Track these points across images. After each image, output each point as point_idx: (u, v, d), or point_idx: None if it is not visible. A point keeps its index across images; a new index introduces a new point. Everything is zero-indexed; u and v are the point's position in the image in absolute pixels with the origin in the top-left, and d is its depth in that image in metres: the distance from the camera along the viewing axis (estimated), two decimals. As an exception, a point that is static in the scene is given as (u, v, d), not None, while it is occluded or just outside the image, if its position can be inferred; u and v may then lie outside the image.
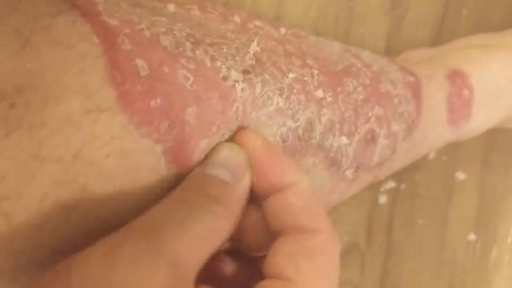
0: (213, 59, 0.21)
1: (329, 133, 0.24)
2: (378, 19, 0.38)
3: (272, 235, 0.21)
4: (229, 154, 0.21)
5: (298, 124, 0.23)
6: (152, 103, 0.19)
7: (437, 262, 0.39)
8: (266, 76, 0.22)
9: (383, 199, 0.39)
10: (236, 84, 0.21)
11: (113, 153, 0.18)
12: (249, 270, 0.22)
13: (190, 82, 0.20)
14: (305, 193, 0.21)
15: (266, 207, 0.21)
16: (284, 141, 0.23)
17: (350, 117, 0.25)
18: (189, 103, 0.20)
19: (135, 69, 0.19)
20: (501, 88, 0.33)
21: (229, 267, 0.22)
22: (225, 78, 0.21)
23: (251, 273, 0.22)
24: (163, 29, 0.21)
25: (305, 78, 0.24)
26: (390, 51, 0.39)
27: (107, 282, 0.16)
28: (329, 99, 0.24)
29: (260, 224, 0.22)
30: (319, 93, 0.24)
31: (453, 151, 0.39)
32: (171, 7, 0.22)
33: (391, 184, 0.39)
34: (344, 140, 0.25)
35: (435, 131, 0.31)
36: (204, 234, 0.18)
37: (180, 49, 0.21)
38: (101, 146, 0.18)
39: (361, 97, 0.26)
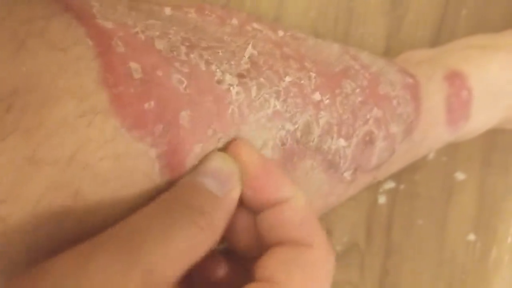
0: (207, 63, 0.21)
1: (327, 136, 0.24)
2: (378, 20, 0.38)
3: (264, 246, 0.21)
4: (221, 164, 0.21)
5: (296, 127, 0.23)
6: (146, 106, 0.19)
7: (437, 262, 0.40)
8: (262, 80, 0.22)
9: (382, 200, 0.39)
10: (231, 88, 0.21)
11: (106, 156, 0.18)
12: (241, 272, 0.22)
13: (184, 85, 0.20)
14: (302, 208, 0.21)
15: (261, 220, 0.21)
16: (283, 144, 0.23)
17: (348, 120, 0.25)
18: (183, 107, 0.20)
19: (129, 71, 0.19)
20: (500, 88, 0.33)
21: (223, 268, 0.22)
22: (219, 82, 0.21)
23: (243, 275, 0.22)
24: (158, 33, 0.21)
25: (302, 81, 0.24)
26: (390, 52, 0.39)
27: None
28: (327, 101, 0.24)
29: (252, 227, 0.22)
30: (317, 96, 0.24)
31: (452, 151, 0.39)
32: (168, 10, 0.22)
33: (390, 185, 0.39)
34: (342, 142, 0.25)
35: (434, 132, 0.31)
36: (183, 247, 0.18)
37: (175, 53, 0.21)
38: (95, 149, 0.18)
39: (359, 99, 0.26)
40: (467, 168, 0.39)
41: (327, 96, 0.24)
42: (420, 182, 0.39)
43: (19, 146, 0.17)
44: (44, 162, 0.17)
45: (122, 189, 0.19)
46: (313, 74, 0.24)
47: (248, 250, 0.22)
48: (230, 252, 0.23)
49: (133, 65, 0.19)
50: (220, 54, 0.22)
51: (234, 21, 0.24)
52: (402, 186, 0.39)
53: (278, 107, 0.23)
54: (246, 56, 0.22)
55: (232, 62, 0.22)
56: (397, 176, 0.38)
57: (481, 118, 0.33)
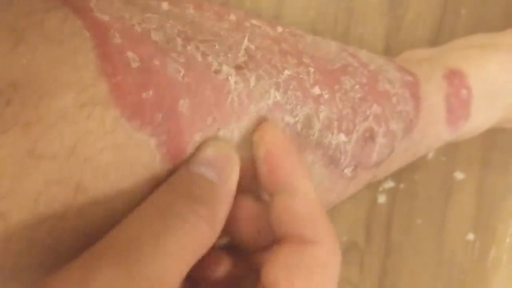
0: (204, 54, 0.21)
1: (327, 131, 0.24)
2: (377, 19, 0.39)
3: (270, 231, 0.21)
4: (216, 152, 0.20)
5: (296, 119, 0.23)
6: (144, 95, 0.19)
7: (436, 262, 0.39)
8: (261, 71, 0.22)
9: (382, 199, 0.39)
10: (229, 77, 0.21)
11: (107, 147, 0.18)
12: (244, 266, 0.22)
13: (182, 74, 0.20)
14: (311, 202, 0.21)
15: (272, 207, 0.21)
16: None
17: (348, 115, 0.25)
18: (182, 95, 0.20)
19: (126, 61, 0.19)
20: (499, 88, 0.33)
21: (225, 263, 0.22)
22: (217, 72, 0.21)
23: (246, 269, 0.22)
24: (154, 26, 0.21)
25: (301, 76, 0.24)
26: (389, 51, 0.39)
27: None
28: (326, 96, 0.24)
29: (256, 216, 0.22)
30: (316, 90, 0.24)
31: (451, 151, 0.39)
32: (165, 5, 0.22)
33: (390, 184, 0.39)
34: (342, 137, 0.25)
35: (434, 131, 0.31)
36: (186, 243, 0.18)
37: (171, 44, 0.20)
38: (95, 141, 0.18)
39: (358, 95, 0.26)
40: (466, 168, 0.39)
41: (326, 91, 0.24)
42: (419, 182, 0.39)
43: (19, 139, 0.17)
44: (44, 156, 0.17)
45: (123, 179, 0.19)
46: (311, 69, 0.24)
47: (252, 243, 0.22)
48: (233, 247, 0.23)
49: (130, 54, 0.19)
50: (217, 47, 0.22)
51: (232, 17, 0.24)
52: (401, 186, 0.39)
53: (279, 98, 0.22)
54: (243, 48, 0.22)
55: (229, 55, 0.22)
56: (396, 176, 0.38)
57: (481, 117, 0.33)
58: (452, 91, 0.31)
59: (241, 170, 0.21)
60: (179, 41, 0.21)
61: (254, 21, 0.26)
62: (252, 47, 0.23)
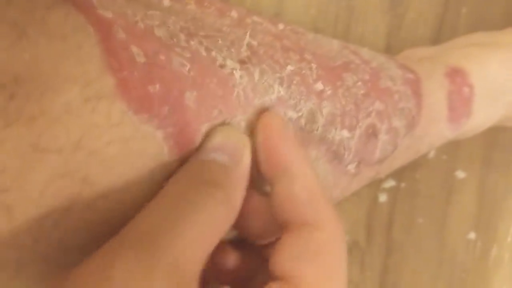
0: (208, 49, 0.21)
1: (330, 126, 0.24)
2: (378, 18, 0.38)
3: (277, 224, 0.21)
4: (225, 137, 0.21)
5: (300, 114, 0.23)
6: (151, 89, 0.19)
7: (437, 261, 0.39)
8: (264, 66, 0.22)
9: (383, 198, 0.39)
10: (234, 72, 0.21)
11: (113, 141, 0.18)
12: (254, 259, 0.22)
13: (187, 68, 0.20)
14: (310, 184, 0.21)
15: (273, 195, 0.21)
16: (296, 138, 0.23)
17: (351, 111, 0.25)
18: (188, 88, 0.20)
19: (132, 56, 0.19)
20: (501, 86, 0.33)
21: (232, 257, 0.22)
22: (222, 66, 0.21)
23: (255, 262, 0.22)
24: (157, 22, 0.21)
25: (304, 71, 0.24)
26: (390, 50, 0.39)
27: None
28: (329, 92, 0.24)
29: (263, 209, 0.22)
30: (319, 86, 0.24)
31: (453, 149, 0.39)
32: (166, 1, 0.23)
33: (391, 183, 0.39)
34: (346, 133, 0.25)
35: (436, 129, 0.31)
36: (204, 227, 0.18)
37: (175, 39, 0.21)
38: (101, 134, 0.18)
39: (361, 91, 0.26)
40: (467, 167, 0.39)
41: (329, 87, 0.24)
42: (420, 181, 0.39)
43: (23, 133, 0.17)
44: (49, 149, 0.17)
45: (131, 172, 0.19)
46: (314, 65, 0.24)
47: (259, 236, 0.22)
48: (242, 241, 0.23)
49: (135, 49, 0.19)
50: (220, 42, 0.22)
51: (234, 14, 0.25)
52: (402, 185, 0.39)
53: (282, 93, 0.23)
54: (245, 44, 0.22)
55: (232, 50, 0.22)
56: (397, 174, 0.38)
57: (482, 116, 0.33)
58: (454, 89, 0.31)
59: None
60: (182, 36, 0.21)
61: (255, 18, 0.26)
62: (255, 43, 0.23)
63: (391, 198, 0.39)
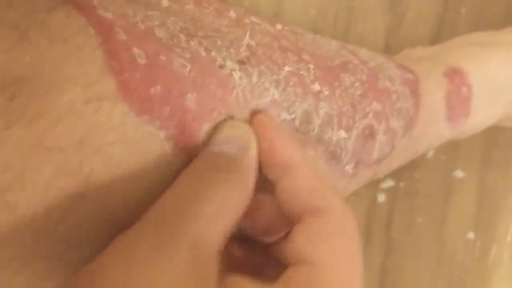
0: (207, 50, 0.21)
1: (327, 127, 0.24)
2: (378, 17, 0.38)
3: (287, 221, 0.21)
4: (231, 129, 0.21)
5: (293, 116, 0.23)
6: (152, 90, 0.19)
7: (436, 260, 0.39)
8: (262, 67, 0.23)
9: (382, 198, 0.39)
10: (233, 72, 0.22)
11: (116, 141, 0.19)
12: (260, 256, 0.22)
13: (188, 69, 0.20)
14: (312, 173, 0.21)
15: (279, 193, 0.21)
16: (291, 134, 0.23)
17: (348, 112, 0.25)
18: (189, 89, 0.20)
19: (133, 57, 0.19)
20: (500, 85, 0.33)
21: (238, 251, 0.22)
22: (221, 67, 0.21)
23: (262, 259, 0.22)
24: (157, 22, 0.21)
25: (301, 72, 0.24)
26: (390, 49, 0.39)
27: (129, 279, 0.16)
28: (326, 92, 0.24)
29: (267, 206, 0.22)
30: (316, 87, 0.24)
31: (452, 149, 0.39)
32: (165, 1, 0.23)
33: (389, 183, 0.39)
34: (342, 134, 0.25)
35: (434, 129, 0.31)
36: (221, 206, 0.18)
37: (175, 40, 0.21)
38: (104, 134, 0.18)
39: (358, 92, 0.26)
40: (466, 166, 0.39)
41: (326, 88, 0.24)
42: (419, 180, 0.39)
43: (25, 133, 0.17)
44: (51, 148, 0.17)
45: (134, 171, 0.19)
46: (311, 66, 0.24)
47: (266, 232, 0.22)
48: (248, 239, 0.23)
49: (136, 51, 0.19)
50: (219, 42, 0.22)
51: (232, 14, 0.25)
52: (401, 184, 0.39)
53: (277, 96, 0.23)
54: (245, 44, 0.23)
55: (231, 50, 0.22)
56: (396, 174, 0.38)
57: (481, 115, 0.33)
58: (453, 89, 0.31)
59: None
60: (182, 37, 0.21)
61: (253, 18, 0.26)
62: (253, 43, 0.23)
63: (390, 198, 0.39)
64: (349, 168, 0.26)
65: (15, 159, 0.17)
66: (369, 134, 0.26)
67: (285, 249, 0.20)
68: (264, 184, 0.22)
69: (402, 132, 0.28)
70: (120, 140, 0.19)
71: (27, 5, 0.19)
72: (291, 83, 0.23)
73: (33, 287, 0.19)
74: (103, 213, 0.19)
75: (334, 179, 0.26)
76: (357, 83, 0.26)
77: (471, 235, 0.39)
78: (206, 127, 0.21)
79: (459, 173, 0.39)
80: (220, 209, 0.18)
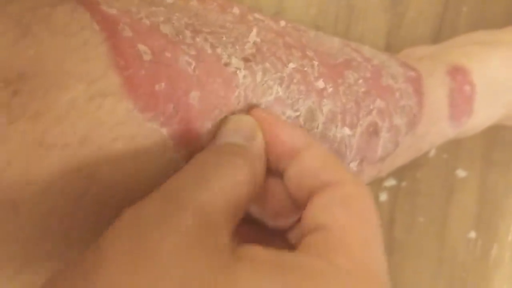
0: (213, 46, 0.21)
1: (331, 124, 0.24)
2: (378, 16, 0.38)
3: (293, 204, 0.21)
4: (237, 122, 0.21)
5: (298, 113, 0.23)
6: (157, 87, 0.19)
7: (438, 260, 0.39)
8: (267, 64, 0.23)
9: (383, 197, 0.39)
10: (238, 71, 0.22)
11: (119, 137, 0.18)
12: (274, 241, 0.22)
13: (193, 67, 0.20)
14: (319, 152, 0.21)
15: (288, 180, 0.21)
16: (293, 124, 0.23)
17: (352, 109, 0.25)
18: (193, 87, 0.20)
19: (138, 54, 0.19)
20: (501, 84, 0.33)
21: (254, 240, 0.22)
22: (226, 65, 0.21)
23: (276, 244, 0.22)
24: (162, 18, 0.21)
25: (306, 69, 0.24)
26: (390, 48, 0.39)
27: (135, 246, 0.16)
28: (330, 90, 0.24)
29: (278, 189, 0.22)
30: (320, 84, 0.24)
31: (453, 148, 0.39)
32: None
33: (391, 182, 0.39)
34: (347, 131, 0.25)
35: (437, 127, 0.31)
36: (226, 185, 0.18)
37: (180, 36, 0.21)
38: (107, 131, 0.18)
39: (362, 89, 0.26)
40: (468, 166, 0.39)
41: (330, 85, 0.24)
42: (421, 180, 0.39)
43: (28, 130, 0.17)
44: (54, 145, 0.17)
45: (137, 168, 0.19)
46: (316, 63, 0.24)
47: (278, 215, 0.22)
48: (263, 225, 0.23)
49: (142, 47, 0.19)
50: (224, 39, 0.22)
51: (236, 10, 0.25)
52: (403, 184, 0.39)
53: (281, 93, 0.23)
54: (251, 41, 0.23)
55: (237, 47, 0.22)
56: (398, 174, 0.38)
57: (483, 114, 0.33)
58: (456, 87, 0.31)
59: None
60: (188, 33, 0.21)
61: (257, 15, 0.26)
62: (258, 40, 0.23)
63: (392, 197, 0.39)
64: (353, 165, 0.26)
65: (18, 155, 0.17)
66: (373, 131, 0.26)
67: (302, 221, 0.20)
68: (272, 170, 0.22)
69: (405, 130, 0.28)
70: (123, 137, 0.19)
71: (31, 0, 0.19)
72: (295, 80, 0.23)
73: (33, 287, 0.19)
74: (106, 210, 0.19)
75: None
76: (360, 80, 0.26)
77: (472, 234, 0.39)
78: (208, 124, 0.21)
79: (460, 173, 0.39)
80: (225, 186, 0.18)
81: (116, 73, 0.18)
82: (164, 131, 0.20)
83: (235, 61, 0.22)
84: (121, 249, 0.16)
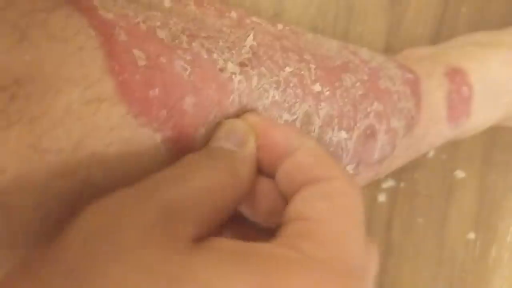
0: (209, 51, 0.21)
1: (327, 127, 0.24)
2: (378, 17, 0.38)
3: (284, 203, 0.21)
4: (229, 128, 0.21)
5: (295, 117, 0.23)
6: (151, 92, 0.19)
7: (437, 261, 0.39)
8: (263, 69, 0.23)
9: (382, 198, 0.39)
10: (233, 76, 0.22)
11: (113, 143, 0.19)
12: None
13: (188, 72, 0.20)
14: (313, 150, 0.21)
15: (280, 177, 0.21)
16: (287, 124, 0.23)
17: (349, 112, 0.25)
18: (187, 93, 0.20)
19: (133, 59, 0.19)
20: (500, 85, 0.33)
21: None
22: (222, 70, 0.21)
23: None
24: (158, 23, 0.21)
25: (302, 72, 0.24)
26: (390, 49, 0.38)
27: (95, 236, 0.16)
28: (327, 93, 0.24)
29: (269, 189, 0.22)
30: (317, 87, 0.24)
31: (452, 149, 0.39)
32: (167, 2, 0.23)
33: (390, 183, 0.39)
34: (343, 134, 0.25)
35: (435, 128, 0.31)
36: (201, 185, 0.18)
37: (177, 41, 0.21)
38: (101, 136, 0.18)
39: (359, 92, 0.26)
40: (467, 166, 0.39)
41: (327, 88, 0.24)
42: (420, 180, 0.39)
43: (23, 135, 0.17)
44: (49, 150, 0.17)
45: (130, 173, 0.19)
46: (312, 66, 0.24)
47: (270, 214, 0.22)
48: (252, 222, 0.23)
49: (137, 52, 0.19)
50: (221, 43, 0.22)
51: (233, 14, 0.25)
52: (402, 184, 0.39)
53: (277, 97, 0.23)
54: (248, 46, 0.23)
55: (233, 51, 0.22)
56: (397, 174, 0.38)
57: (481, 115, 0.33)
58: (453, 89, 0.31)
59: None
60: (184, 38, 0.21)
61: (254, 19, 0.26)
62: (255, 43, 0.23)
63: (391, 198, 0.39)
64: (350, 168, 0.26)
65: (13, 160, 0.17)
66: (370, 134, 0.26)
67: (285, 212, 0.20)
68: (266, 172, 0.22)
69: (403, 132, 0.28)
70: (117, 142, 0.19)
71: (28, 4, 0.19)
72: (291, 84, 0.23)
73: None
74: None
75: None
76: (358, 83, 0.26)
77: (471, 235, 0.39)
78: (201, 130, 0.21)
79: (459, 173, 0.39)
80: (201, 186, 0.18)
81: (111, 78, 0.18)
82: (157, 136, 0.20)
83: (230, 66, 0.22)
84: (80, 241, 0.16)
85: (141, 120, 0.19)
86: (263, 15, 0.27)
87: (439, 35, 0.39)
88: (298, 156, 0.21)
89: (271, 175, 0.22)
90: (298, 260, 0.17)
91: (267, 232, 0.22)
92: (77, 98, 0.18)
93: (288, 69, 0.23)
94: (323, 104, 0.24)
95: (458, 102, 0.31)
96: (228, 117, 0.22)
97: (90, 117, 0.18)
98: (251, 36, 0.23)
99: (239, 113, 0.22)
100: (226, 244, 0.17)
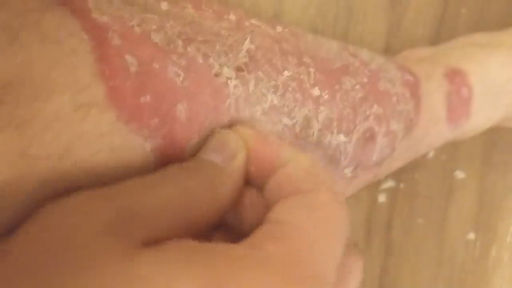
0: (205, 56, 0.21)
1: (326, 131, 0.24)
2: (378, 17, 0.38)
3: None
4: (221, 139, 0.21)
5: (294, 121, 0.23)
6: (142, 99, 0.19)
7: (437, 261, 0.39)
8: (260, 73, 0.22)
9: (382, 198, 0.39)
10: (229, 81, 0.21)
11: (102, 150, 0.18)
12: None
13: (181, 78, 0.20)
14: (303, 163, 0.21)
15: (268, 190, 0.21)
16: (281, 138, 0.23)
17: (349, 115, 0.25)
18: (180, 100, 0.20)
19: (125, 64, 0.19)
20: (500, 86, 0.33)
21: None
22: (217, 75, 0.21)
23: None
24: (154, 26, 0.21)
25: (301, 76, 0.24)
26: (389, 50, 0.38)
27: (50, 226, 0.16)
28: (326, 97, 0.24)
29: (257, 202, 0.21)
30: (316, 91, 0.24)
31: (452, 150, 0.39)
32: (164, 4, 0.22)
33: (390, 183, 0.39)
34: (342, 138, 0.25)
35: (435, 130, 0.31)
36: (174, 195, 0.18)
37: (171, 45, 0.20)
38: (90, 143, 0.18)
39: (359, 95, 0.26)
40: (467, 167, 0.39)
41: (326, 92, 0.24)
42: (420, 181, 0.39)
43: (12, 140, 0.17)
44: (38, 156, 0.17)
45: (118, 181, 0.19)
46: (312, 70, 0.24)
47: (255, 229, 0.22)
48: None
49: (129, 58, 0.19)
50: (218, 47, 0.22)
51: (232, 17, 0.24)
52: (401, 185, 0.39)
53: (276, 101, 0.22)
54: (244, 49, 0.22)
55: (230, 55, 0.22)
56: (396, 175, 0.38)
57: (482, 116, 0.33)
58: (453, 90, 0.31)
59: None
60: (180, 42, 0.21)
61: (253, 21, 0.25)
62: (253, 47, 0.23)
63: (391, 198, 0.39)
64: (348, 171, 0.26)
65: (1, 166, 0.17)
66: (370, 137, 0.26)
67: (265, 218, 0.20)
68: (255, 184, 0.22)
69: (402, 134, 0.28)
70: (106, 150, 0.18)
71: (21, 5, 0.18)
72: (290, 88, 0.23)
73: None
74: None
75: (333, 183, 0.26)
76: (358, 86, 0.26)
77: (471, 235, 0.39)
78: (195, 138, 0.20)
79: (459, 174, 0.39)
80: (174, 196, 0.18)
81: (101, 83, 0.18)
82: (147, 145, 0.19)
83: (226, 71, 0.21)
84: (32, 236, 0.16)
85: (131, 126, 0.19)
86: (263, 16, 0.27)
87: (439, 35, 0.39)
88: (288, 168, 0.20)
89: (259, 187, 0.21)
90: (256, 258, 0.17)
91: None
92: (66, 103, 0.18)
93: (286, 73, 0.23)
94: (322, 107, 0.24)
95: (458, 103, 0.31)
96: (223, 123, 0.21)
97: (79, 123, 0.18)
98: (248, 40, 0.23)
99: (235, 121, 0.22)
100: (178, 244, 0.17)
